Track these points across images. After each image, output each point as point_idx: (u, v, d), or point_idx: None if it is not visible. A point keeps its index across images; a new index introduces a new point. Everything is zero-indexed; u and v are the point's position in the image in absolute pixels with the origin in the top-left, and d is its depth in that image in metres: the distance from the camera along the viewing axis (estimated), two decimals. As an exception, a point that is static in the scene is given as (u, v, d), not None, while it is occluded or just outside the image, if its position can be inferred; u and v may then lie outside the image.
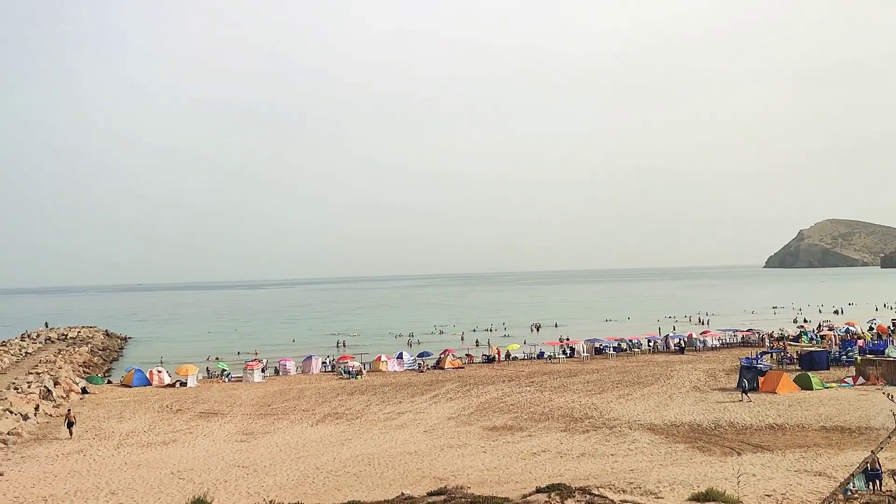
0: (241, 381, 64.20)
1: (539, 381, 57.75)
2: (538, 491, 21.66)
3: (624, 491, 24.02)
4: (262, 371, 66.10)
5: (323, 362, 71.06)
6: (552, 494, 21.17)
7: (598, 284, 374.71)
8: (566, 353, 75.37)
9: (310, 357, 71.42)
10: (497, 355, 74.23)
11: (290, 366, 68.99)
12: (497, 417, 43.68)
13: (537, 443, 36.38)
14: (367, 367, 68.40)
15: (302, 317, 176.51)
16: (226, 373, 66.90)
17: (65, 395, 56.62)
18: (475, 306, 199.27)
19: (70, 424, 41.23)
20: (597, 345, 77.36)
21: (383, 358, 69.61)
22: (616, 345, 78.40)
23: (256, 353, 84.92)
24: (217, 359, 78.76)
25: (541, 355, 75.45)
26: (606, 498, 20.35)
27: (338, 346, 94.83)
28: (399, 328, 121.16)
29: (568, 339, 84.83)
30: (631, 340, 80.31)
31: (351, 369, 64.93)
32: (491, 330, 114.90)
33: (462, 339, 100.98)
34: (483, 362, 72.99)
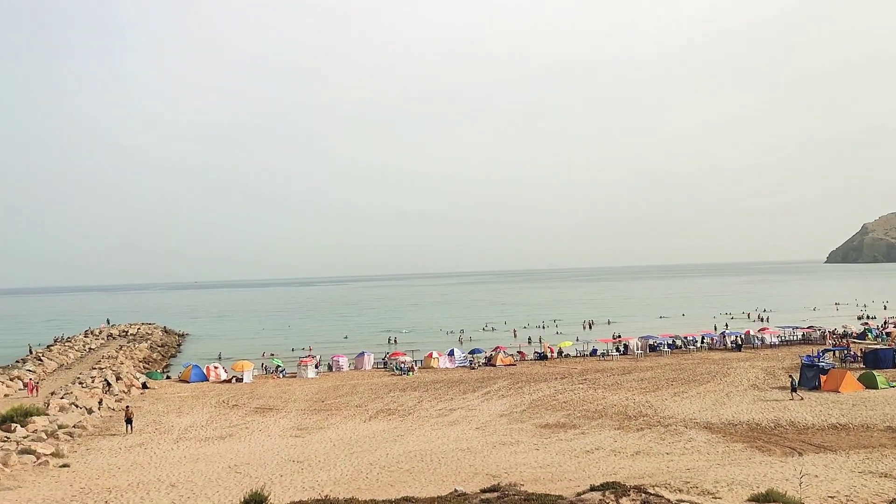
0: (294, 376, 65.15)
1: (592, 379, 57.18)
2: (592, 489, 21.38)
3: (680, 490, 23.57)
4: (316, 367, 66.95)
5: (375, 359, 71.60)
6: (607, 493, 20.86)
7: (652, 281, 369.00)
8: (619, 351, 74.47)
9: (362, 353, 72.06)
10: (549, 352, 73.73)
11: (343, 362, 69.71)
12: (549, 415, 43.38)
13: (590, 440, 36.00)
14: (419, 363, 68.69)
15: (353, 314, 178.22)
16: (280, 369, 67.95)
17: (126, 390, 58.24)
18: (527, 303, 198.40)
19: (128, 421, 42.17)
20: (651, 342, 76.18)
21: (435, 355, 69.79)
22: (670, 342, 77.10)
23: (310, 350, 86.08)
24: (272, 355, 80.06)
25: (594, 352, 74.71)
26: (662, 497, 19.96)
27: (389, 343, 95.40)
28: (450, 325, 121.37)
29: (620, 337, 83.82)
30: (686, 338, 78.86)
31: (403, 366, 65.31)
32: (543, 327, 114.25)
33: (515, 335, 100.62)
34: (535, 359, 72.58)
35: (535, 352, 75.94)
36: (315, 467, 32.25)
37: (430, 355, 69.86)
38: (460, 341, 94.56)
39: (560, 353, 74.75)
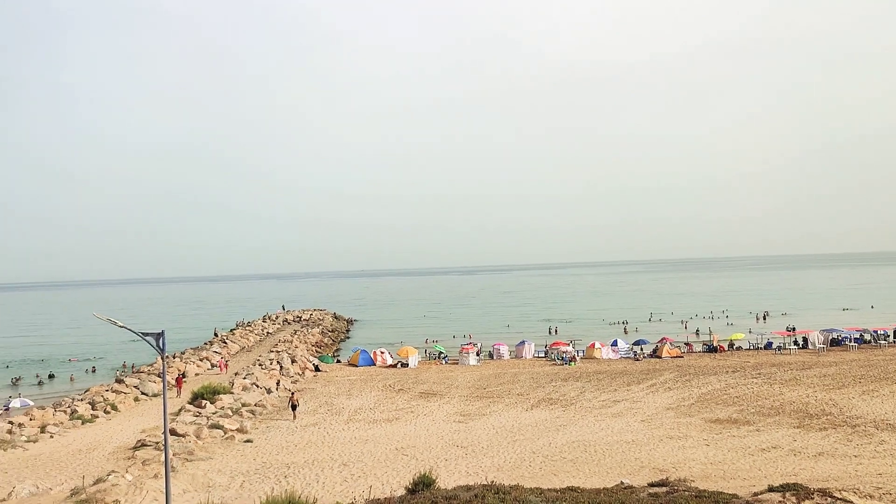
0: (456, 363, 66.31)
1: (767, 373, 53.84)
2: (771, 490, 20.11)
3: (871, 496, 21.66)
4: (477, 355, 67.79)
5: (536, 348, 71.41)
6: (787, 494, 19.53)
7: (835, 270, 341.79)
8: (798, 344, 69.58)
9: (523, 342, 72.10)
10: (719, 345, 70.25)
11: (504, 350, 70.08)
12: (720, 410, 41.35)
13: (766, 438, 33.92)
14: (581, 353, 67.74)
15: (513, 302, 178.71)
16: (443, 355, 69.42)
17: (300, 373, 61.79)
18: (693, 293, 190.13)
19: (294, 406, 43.66)
20: (834, 335, 70.55)
21: (597, 345, 68.52)
22: (857, 336, 71.04)
23: (471, 337, 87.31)
24: (435, 342, 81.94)
25: (769, 346, 70.31)
26: (850, 502, 18.40)
27: (550, 333, 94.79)
28: (613, 315, 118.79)
29: (795, 329, 78.28)
30: (876, 331, 72.30)
31: (564, 355, 64.67)
32: (711, 318, 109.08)
33: (686, 326, 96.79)
34: (704, 352, 69.41)
35: (704, 344, 72.62)
36: (478, 453, 32.66)
37: (593, 345, 68.67)
38: (625, 332, 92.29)
39: (731, 345, 71.03)
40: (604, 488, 20.44)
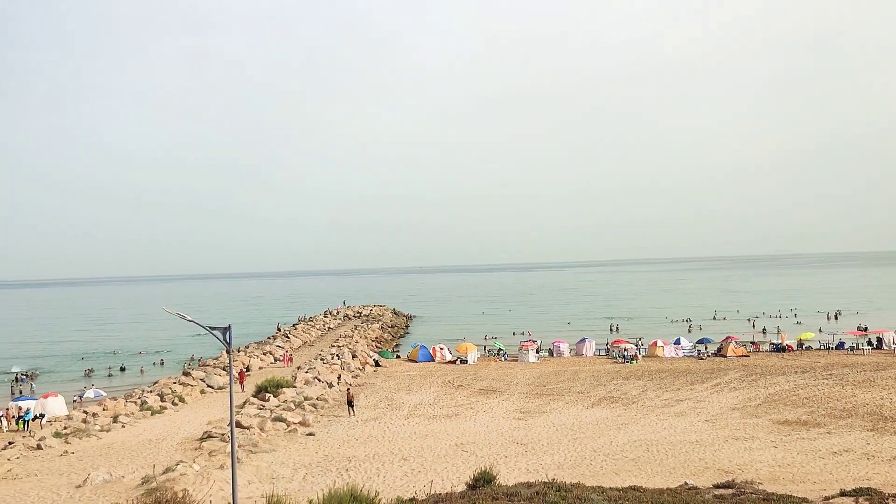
0: (516, 360, 66.07)
1: (839, 374, 52.05)
2: (843, 494, 19.50)
3: (952, 503, 20.69)
4: (537, 352, 67.41)
5: (597, 346, 70.63)
6: (860, 499, 18.90)
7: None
8: (872, 345, 67.06)
9: (583, 340, 71.38)
10: (787, 344, 68.22)
11: (564, 348, 69.51)
12: (788, 411, 40.16)
13: (837, 441, 32.80)
14: (643, 351, 66.72)
15: (573, 299, 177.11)
16: (502, 352, 69.26)
17: (361, 367, 62.47)
18: (760, 291, 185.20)
19: (350, 403, 43.30)
20: (910, 335, 67.73)
21: (660, 343, 67.32)
22: (935, 336, 68.03)
23: (530, 334, 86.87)
24: (494, 338, 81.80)
25: (840, 346, 67.93)
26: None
27: (611, 330, 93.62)
28: (675, 313, 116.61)
29: (867, 329, 75.44)
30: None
31: (626, 353, 63.79)
32: (779, 316, 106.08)
33: (753, 325, 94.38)
34: (771, 351, 67.51)
35: (771, 343, 70.61)
36: (538, 450, 32.48)
37: (655, 344, 67.52)
38: (689, 330, 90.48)
39: (800, 344, 68.89)
40: (667, 488, 20.09)
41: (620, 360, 63.35)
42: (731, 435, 34.59)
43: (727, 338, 69.56)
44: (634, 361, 62.03)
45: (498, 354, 69.33)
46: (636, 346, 67.81)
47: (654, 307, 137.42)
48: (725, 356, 63.41)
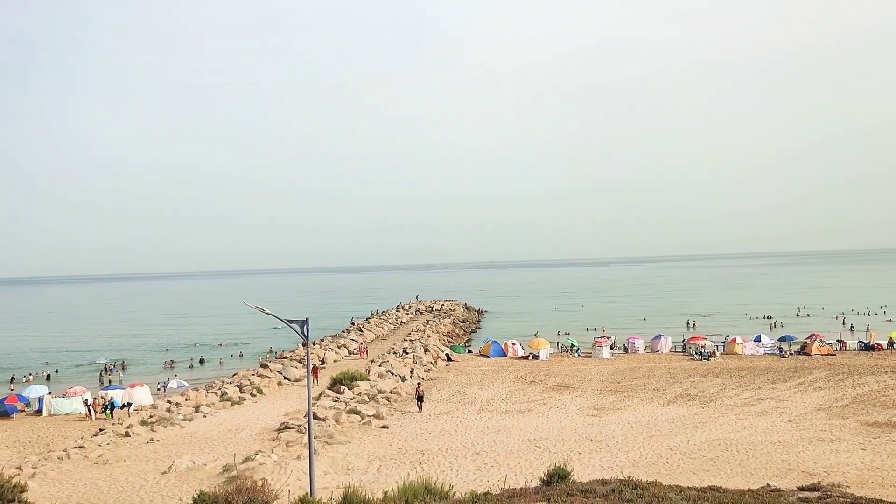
0: (589, 356, 65.28)
1: (933, 375, 49.52)
2: (940, 500, 18.46)
3: None
4: (611, 348, 66.44)
5: (673, 342, 69.13)
6: (959, 506, 17.86)
7: None
8: (968, 344, 63.50)
9: (658, 336, 69.96)
10: (876, 343, 65.19)
11: (639, 344, 68.31)
12: (878, 412, 38.43)
13: (932, 445, 31.19)
14: (721, 348, 64.96)
15: (648, 295, 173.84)
16: (575, 348, 68.54)
17: (433, 362, 62.84)
18: (847, 286, 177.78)
19: (420, 398, 42.94)
20: None
21: (739, 340, 65.35)
22: None
23: (604, 330, 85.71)
24: (567, 334, 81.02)
25: (934, 344, 64.58)
26: None
27: (688, 327, 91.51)
28: (755, 309, 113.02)
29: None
30: None
31: (703, 350, 62.24)
32: (868, 314, 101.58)
33: (843, 322, 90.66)
34: (859, 350, 64.66)
35: (860, 341, 67.60)
36: (613, 447, 32.02)
37: (734, 340, 65.58)
38: (770, 327, 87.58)
39: (890, 343, 65.72)
40: (749, 490, 19.46)
41: (697, 357, 61.84)
42: (816, 436, 33.32)
43: (811, 335, 67.06)
44: (712, 358, 60.43)
45: (571, 350, 68.65)
46: (714, 342, 66.08)
47: (732, 303, 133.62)
48: (810, 354, 61.09)
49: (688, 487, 19.07)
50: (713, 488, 19.22)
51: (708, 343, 64.78)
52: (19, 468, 29.82)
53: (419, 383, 47.41)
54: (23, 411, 48.04)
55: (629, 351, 67.56)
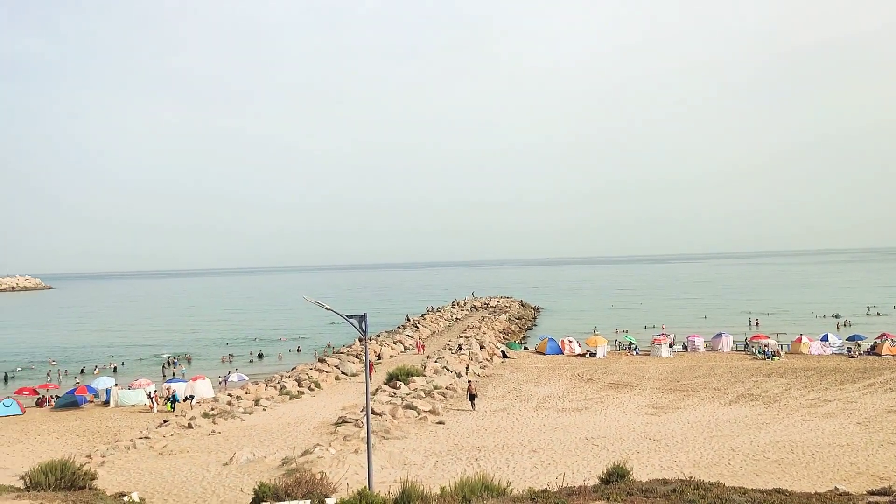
0: (648, 355, 64.28)
1: None
2: None
3: None
4: (670, 346, 65.28)
5: (734, 341, 67.52)
6: None
7: None
8: None
9: (720, 334, 68.39)
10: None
11: (699, 342, 66.91)
12: (954, 415, 36.84)
13: None
14: (786, 348, 63.17)
15: (709, 293, 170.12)
16: (633, 346, 67.56)
17: (489, 358, 62.72)
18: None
19: (472, 397, 42.39)
20: None
21: (804, 339, 63.49)
22: None
23: (663, 328, 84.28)
24: (624, 332, 79.95)
25: None
26: None
27: (750, 325, 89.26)
28: (822, 308, 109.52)
29: None
30: None
31: (767, 349, 60.63)
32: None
33: None
34: (932, 350, 62.13)
35: (933, 341, 64.98)
36: (672, 447, 31.47)
37: (799, 339, 63.71)
38: (837, 327, 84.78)
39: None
40: (815, 493, 18.84)
41: (760, 356, 60.29)
42: (888, 439, 32.11)
43: (882, 335, 64.72)
44: (776, 358, 58.81)
45: (629, 348, 67.70)
46: (778, 341, 64.29)
47: (797, 301, 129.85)
48: (880, 355, 58.94)
49: (752, 489, 18.57)
50: (778, 491, 18.67)
51: (772, 342, 63.08)
52: (89, 457, 30.89)
53: (470, 382, 46.34)
54: (91, 402, 49.80)
55: (689, 349, 66.25)
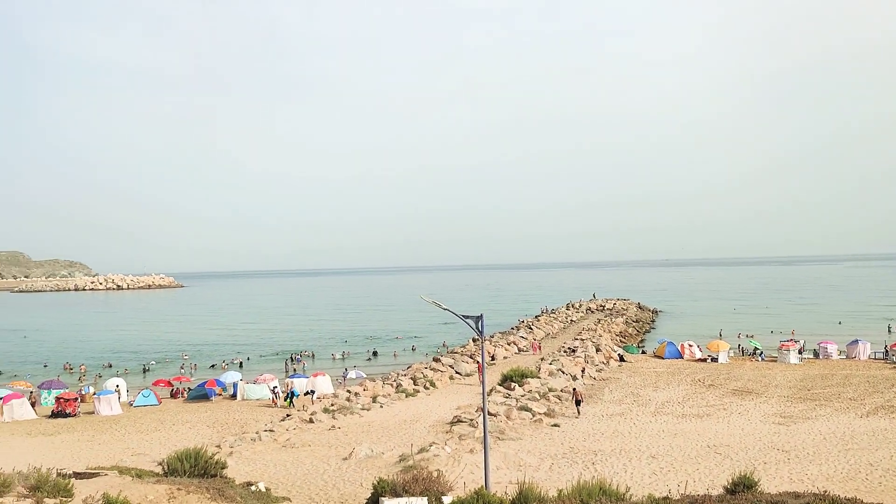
0: (774, 361, 61.24)
1: None
2: None
3: None
4: (799, 353, 61.89)
5: (873, 348, 63.19)
6: None
7: None
8: None
9: (856, 341, 64.17)
10: None
11: (832, 349, 63.05)
12: None
13: None
14: (930, 356, 58.61)
15: (842, 297, 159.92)
16: (758, 351, 64.54)
17: (605, 362, 61.56)
18: None
19: (577, 402, 41.14)
20: None
21: (952, 348, 58.71)
22: None
23: (792, 333, 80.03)
24: (749, 336, 76.49)
25: None
26: None
27: (890, 331, 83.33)
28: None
29: None
30: None
31: (908, 358, 56.48)
32: None
33: None
34: None
35: None
36: (803, 459, 29.83)
37: (945, 348, 59.00)
38: None
39: None
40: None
41: (902, 365, 56.24)
42: None
43: None
44: (919, 368, 54.68)
45: (754, 354, 64.72)
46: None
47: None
48: None
49: (894, 507, 17.34)
50: (925, 510, 17.34)
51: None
52: (219, 447, 32.55)
53: (574, 389, 44.48)
54: (220, 395, 52.51)
55: (820, 356, 62.57)
